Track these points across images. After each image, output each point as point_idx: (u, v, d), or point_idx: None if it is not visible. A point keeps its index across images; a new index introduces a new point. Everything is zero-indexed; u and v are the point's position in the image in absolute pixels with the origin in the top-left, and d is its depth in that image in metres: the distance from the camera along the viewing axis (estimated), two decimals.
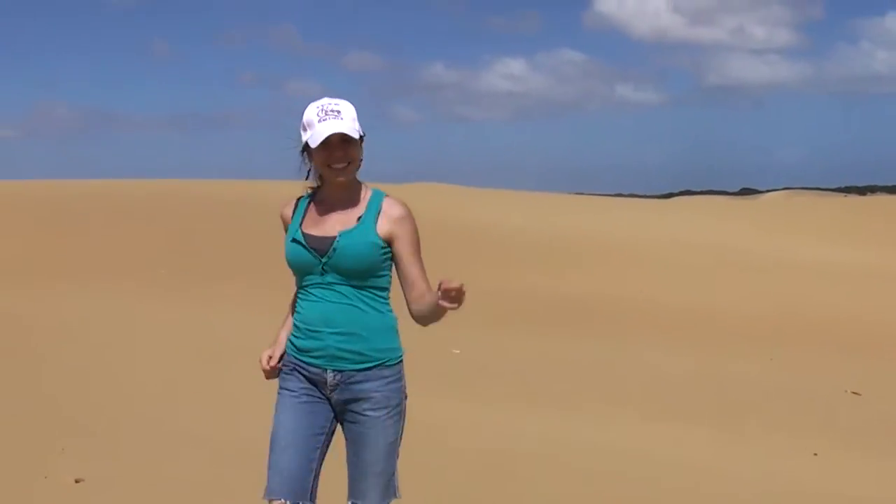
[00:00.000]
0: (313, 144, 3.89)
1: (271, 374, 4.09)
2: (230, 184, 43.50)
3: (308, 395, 3.95)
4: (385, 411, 3.96)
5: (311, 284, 3.94)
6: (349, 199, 4.00)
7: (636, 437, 9.12)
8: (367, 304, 3.95)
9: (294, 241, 3.96)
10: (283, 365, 4.04)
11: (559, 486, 6.90)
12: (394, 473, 4.00)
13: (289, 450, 3.91)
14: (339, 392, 3.94)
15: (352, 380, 3.93)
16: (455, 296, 3.75)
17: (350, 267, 3.90)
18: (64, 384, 9.51)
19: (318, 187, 4.08)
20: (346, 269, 3.91)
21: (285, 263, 4.03)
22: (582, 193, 65.53)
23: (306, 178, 4.10)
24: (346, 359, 3.93)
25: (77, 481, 6.25)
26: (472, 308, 17.97)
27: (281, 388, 4.01)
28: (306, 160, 4.04)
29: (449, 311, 3.88)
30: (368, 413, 3.94)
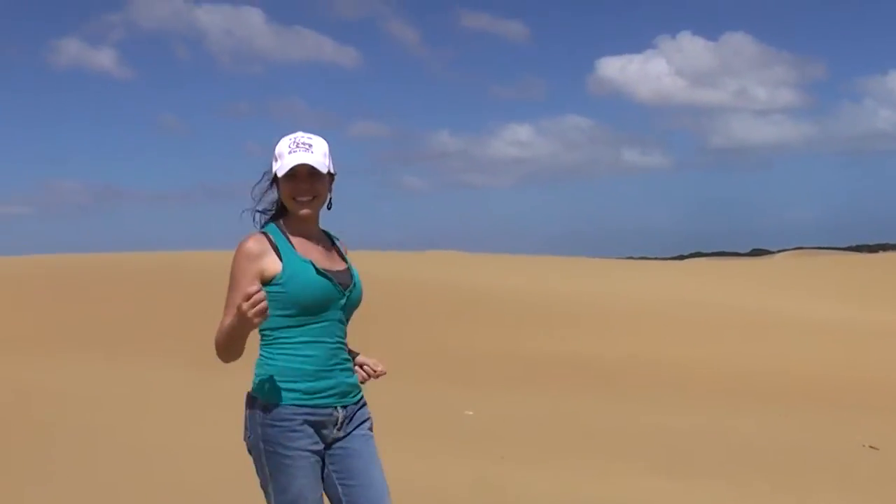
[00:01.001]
0: (280, 174, 3.88)
1: (260, 304, 3.61)
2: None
3: (315, 450, 3.87)
4: (373, 434, 4.05)
5: (323, 322, 3.87)
6: (320, 234, 4.05)
7: (641, 491, 9.00)
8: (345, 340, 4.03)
9: (319, 273, 3.86)
10: (280, 420, 3.83)
11: None
12: None
13: None
14: (345, 427, 3.94)
15: (353, 414, 3.97)
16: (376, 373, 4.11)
17: (358, 302, 4.00)
18: (70, 447, 9.49)
19: (278, 223, 3.97)
20: (356, 303, 3.99)
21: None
22: (592, 257, 65.56)
23: (272, 210, 4.03)
24: (351, 393, 3.97)
25: None
26: (484, 369, 17.97)
27: (287, 447, 3.82)
28: (275, 192, 4.00)
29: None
30: (368, 432, 4.01)
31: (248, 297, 3.56)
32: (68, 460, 8.83)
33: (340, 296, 3.91)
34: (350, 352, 4.06)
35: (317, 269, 3.85)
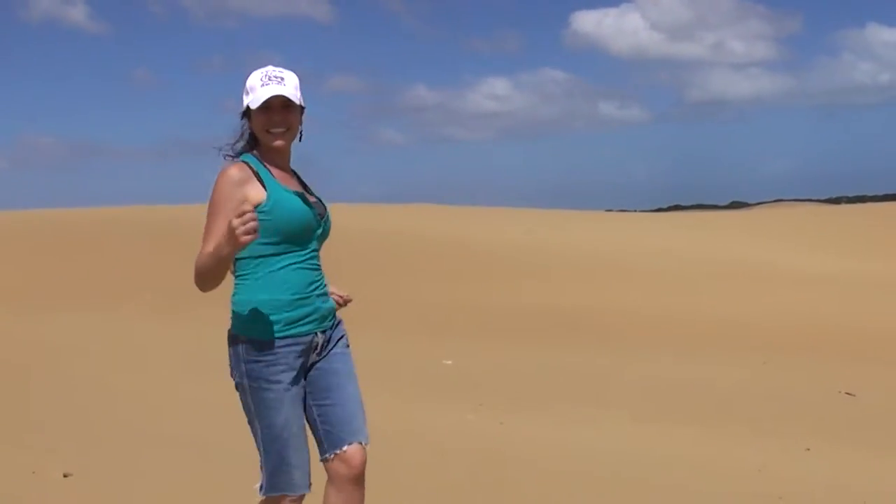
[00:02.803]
0: (253, 106, 3.89)
1: (251, 221, 3.56)
2: None
3: (296, 383, 3.91)
4: (349, 348, 4.11)
5: (298, 251, 3.91)
6: (291, 167, 4.08)
7: (627, 438, 9.05)
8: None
9: (305, 202, 3.92)
10: (262, 355, 3.84)
11: (551, 487, 6.84)
12: None
13: (304, 445, 3.92)
14: (323, 349, 3.99)
15: (329, 336, 4.02)
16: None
17: (328, 233, 4.06)
18: (54, 393, 9.52)
19: (253, 154, 3.97)
20: (327, 235, 4.06)
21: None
22: (571, 210, 65.53)
23: (236, 143, 4.03)
24: (328, 317, 4.02)
25: (65, 476, 6.29)
26: (463, 321, 18.04)
27: (270, 381, 3.84)
28: (245, 126, 4.01)
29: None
30: (345, 350, 4.07)
31: (241, 215, 3.52)
32: (50, 408, 8.82)
33: (318, 225, 3.97)
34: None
35: (303, 198, 3.91)
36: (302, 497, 3.94)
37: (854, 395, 12.22)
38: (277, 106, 3.90)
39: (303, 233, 3.88)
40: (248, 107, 3.93)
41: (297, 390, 3.91)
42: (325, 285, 4.05)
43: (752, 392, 12.41)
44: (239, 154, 3.99)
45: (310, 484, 3.94)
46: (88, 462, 6.69)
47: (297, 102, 3.94)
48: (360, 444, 3.93)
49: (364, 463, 3.92)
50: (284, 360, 3.85)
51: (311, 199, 4.00)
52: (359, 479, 3.91)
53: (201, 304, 19.94)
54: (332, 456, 3.92)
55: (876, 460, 8.84)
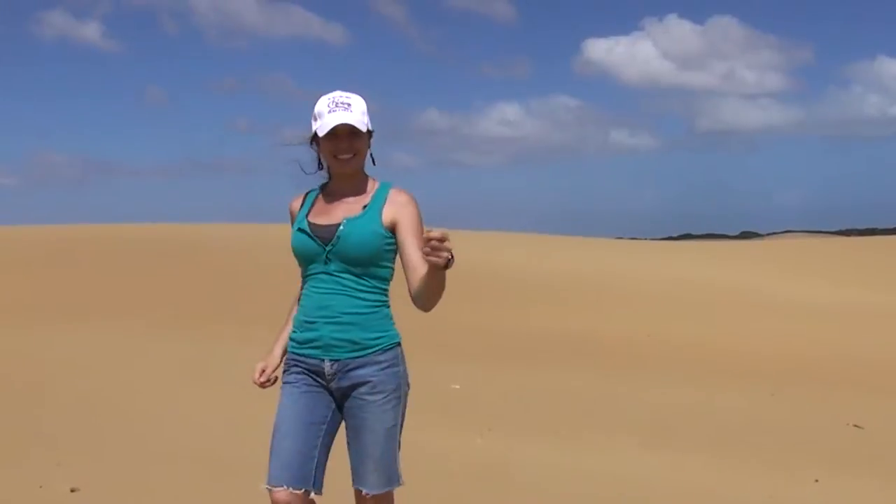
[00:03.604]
0: (321, 134, 3.97)
1: (265, 386, 4.19)
2: (224, 227, 43.63)
3: (308, 384, 4.02)
4: (381, 396, 3.99)
5: (314, 274, 4.01)
6: (356, 190, 4.08)
7: (635, 464, 9.03)
8: (365, 293, 3.98)
9: (300, 230, 4.03)
10: (284, 363, 4.13)
11: None
12: (395, 460, 4.03)
13: (288, 437, 3.95)
14: (339, 380, 4.00)
15: (348, 367, 3.98)
16: (437, 245, 3.57)
17: (353, 254, 3.95)
18: (62, 408, 9.53)
19: (328, 182, 4.17)
20: (349, 257, 3.96)
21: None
22: (581, 236, 65.51)
23: (318, 169, 4.18)
24: (341, 348, 3.98)
25: (73, 490, 6.29)
26: (472, 344, 18.01)
27: (283, 382, 4.10)
28: (315, 151, 4.14)
29: (444, 285, 3.80)
30: (366, 397, 3.98)
31: (260, 371, 4.17)
32: (59, 423, 8.81)
33: (321, 249, 3.97)
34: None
35: (300, 227, 4.04)
36: (287, 492, 3.89)
37: (862, 428, 12.17)
38: (344, 133, 3.97)
39: (305, 258, 4.03)
40: (315, 133, 4.03)
41: (301, 389, 4.03)
42: (347, 314, 3.96)
43: (760, 422, 12.37)
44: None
45: (298, 482, 3.90)
46: (95, 477, 6.69)
47: (364, 129, 3.99)
48: (362, 492, 4.02)
49: None
50: (295, 367, 4.07)
51: (328, 223, 3.99)
52: None
53: (210, 321, 20.13)
54: (354, 489, 4.07)
55: (884, 492, 8.81)
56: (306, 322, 4.01)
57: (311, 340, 3.99)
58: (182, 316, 21.10)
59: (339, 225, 3.97)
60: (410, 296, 3.94)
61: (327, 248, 3.96)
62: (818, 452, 10.46)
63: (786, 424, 12.38)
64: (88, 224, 45.77)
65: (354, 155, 4.01)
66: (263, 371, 4.14)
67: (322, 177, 4.20)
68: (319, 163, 4.17)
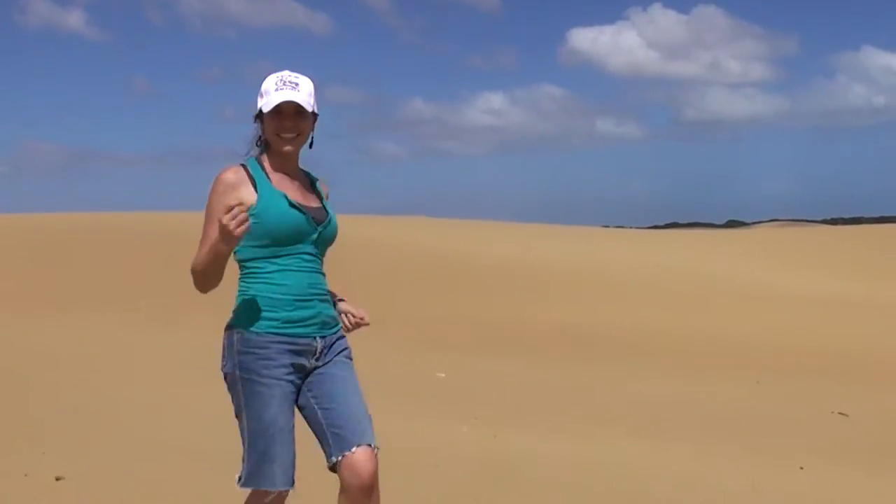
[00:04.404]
0: (265, 110, 3.94)
1: (241, 217, 3.66)
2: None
3: (290, 380, 3.93)
4: (352, 361, 4.11)
5: (295, 254, 3.94)
6: (300, 173, 4.11)
7: (622, 452, 9.05)
8: (324, 273, 4.10)
9: (292, 206, 3.92)
10: (256, 347, 3.89)
11: (544, 498, 6.83)
12: None
13: (286, 445, 3.91)
14: (324, 356, 4.01)
15: (331, 342, 4.05)
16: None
17: (334, 238, 4.07)
18: (48, 398, 9.49)
19: (260, 158, 4.05)
20: (330, 241, 4.05)
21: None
22: (567, 225, 65.55)
23: (256, 146, 4.09)
24: (329, 324, 4.04)
25: (57, 479, 6.28)
26: (458, 334, 17.96)
27: (261, 374, 3.88)
28: (258, 129, 4.07)
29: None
30: (347, 360, 4.07)
31: (230, 209, 3.63)
32: (46, 413, 8.79)
33: (312, 230, 3.96)
34: (332, 294, 4.15)
35: (289, 202, 3.92)
36: (284, 494, 3.93)
37: (847, 416, 12.23)
38: (289, 111, 3.94)
39: (292, 236, 3.90)
40: (260, 110, 3.98)
41: (288, 388, 3.92)
42: (327, 292, 4.07)
43: (746, 410, 12.43)
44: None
45: (293, 482, 3.94)
46: (81, 466, 6.68)
47: (310, 109, 3.98)
48: (370, 447, 3.88)
49: (374, 473, 3.86)
50: (278, 356, 3.89)
51: (313, 205, 4.01)
52: (370, 490, 3.86)
53: (196, 312, 20.02)
54: (342, 458, 3.87)
55: (869, 480, 8.86)
56: (299, 300, 3.92)
57: (308, 318, 3.94)
58: (170, 306, 21.05)
59: (323, 208, 4.04)
60: None
61: (318, 230, 3.98)
62: (803, 440, 10.51)
63: (771, 412, 12.43)
64: (77, 212, 45.62)
65: (298, 135, 3.97)
66: (232, 206, 3.64)
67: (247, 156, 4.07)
68: (259, 140, 4.06)
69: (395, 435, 8.45)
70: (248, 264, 3.95)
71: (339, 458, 3.88)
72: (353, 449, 3.87)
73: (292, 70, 4.02)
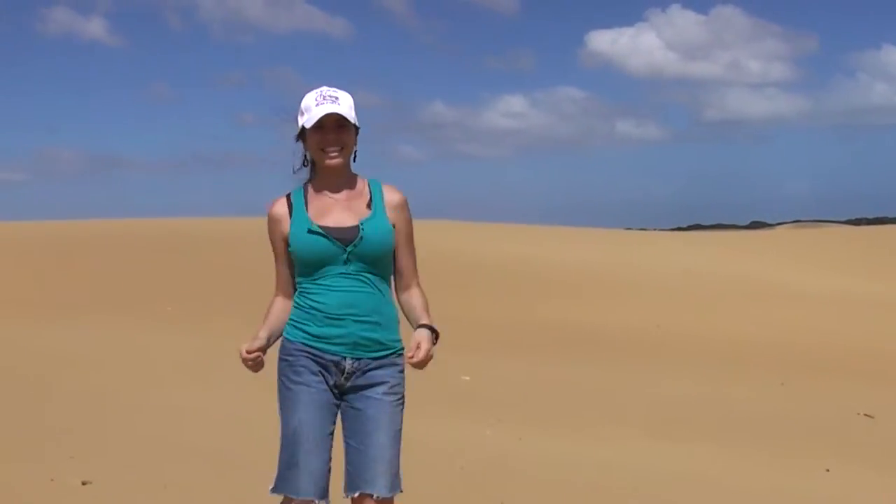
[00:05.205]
0: (308, 125, 3.94)
1: (253, 362, 3.95)
2: (230, 222, 43.67)
3: (322, 388, 3.94)
4: (395, 398, 4.00)
5: (330, 275, 3.94)
6: (348, 187, 4.05)
7: (644, 454, 9.02)
8: (384, 292, 4.03)
9: (311, 232, 3.94)
10: (288, 355, 3.99)
11: (566, 501, 6.82)
12: (399, 464, 3.98)
13: (314, 452, 3.91)
14: (355, 379, 3.96)
15: (368, 367, 3.97)
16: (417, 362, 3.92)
17: (376, 254, 3.97)
18: (73, 403, 9.54)
19: (310, 181, 4.09)
20: (371, 257, 3.96)
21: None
22: (589, 227, 65.35)
23: (303, 166, 4.11)
24: (366, 347, 3.97)
25: (84, 483, 6.31)
26: (481, 337, 17.96)
27: (292, 380, 3.95)
28: (302, 148, 4.07)
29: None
30: (383, 397, 3.97)
31: (244, 354, 3.94)
32: (69, 417, 8.83)
33: (340, 251, 3.93)
34: (419, 318, 4.07)
35: (309, 229, 3.94)
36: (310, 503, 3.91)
37: (873, 417, 12.15)
38: (331, 125, 3.93)
39: (319, 260, 3.94)
40: (302, 127, 3.98)
41: (321, 396, 3.94)
42: (372, 312, 3.97)
43: (770, 412, 12.36)
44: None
45: (323, 494, 3.92)
46: (107, 470, 6.71)
47: (352, 122, 3.96)
48: (371, 496, 3.89)
49: None
50: (305, 365, 3.95)
51: (343, 224, 3.95)
52: None
53: (218, 316, 20.16)
54: (350, 497, 3.96)
55: (894, 480, 8.79)
56: (330, 317, 3.93)
57: (336, 336, 3.94)
58: (191, 311, 21.15)
59: (357, 227, 3.95)
60: (396, 294, 4.11)
61: (348, 250, 3.93)
62: (828, 442, 10.45)
63: (795, 414, 12.36)
64: (96, 219, 45.84)
65: (342, 148, 3.97)
66: (248, 352, 3.93)
67: (301, 178, 4.13)
68: (304, 160, 4.09)
69: (420, 438, 8.46)
70: (298, 282, 4.05)
71: (348, 495, 3.96)
72: (357, 493, 3.92)
73: (317, 79, 4.05)
